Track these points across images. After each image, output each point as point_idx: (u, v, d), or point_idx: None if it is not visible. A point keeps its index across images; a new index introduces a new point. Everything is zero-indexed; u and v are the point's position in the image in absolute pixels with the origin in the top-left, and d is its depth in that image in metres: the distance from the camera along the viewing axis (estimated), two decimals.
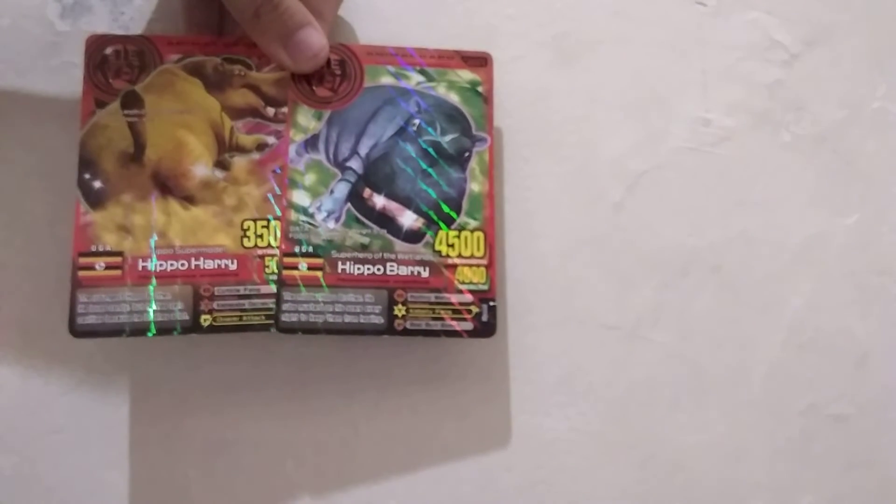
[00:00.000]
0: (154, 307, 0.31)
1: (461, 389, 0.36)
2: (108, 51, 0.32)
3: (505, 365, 0.37)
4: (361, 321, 0.32)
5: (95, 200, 0.32)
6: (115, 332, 0.31)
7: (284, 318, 0.32)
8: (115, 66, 0.32)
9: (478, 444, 0.36)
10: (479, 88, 0.35)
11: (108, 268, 0.32)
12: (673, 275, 0.38)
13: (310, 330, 0.32)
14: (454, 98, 0.34)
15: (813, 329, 0.39)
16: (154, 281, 0.32)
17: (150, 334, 0.31)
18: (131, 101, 0.32)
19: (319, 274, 0.32)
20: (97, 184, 0.32)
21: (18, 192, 0.35)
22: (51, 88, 0.35)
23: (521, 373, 0.37)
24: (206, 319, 0.32)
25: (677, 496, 0.38)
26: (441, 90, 0.34)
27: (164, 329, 0.31)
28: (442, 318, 0.33)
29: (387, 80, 0.34)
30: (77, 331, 0.31)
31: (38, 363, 0.35)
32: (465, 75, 0.35)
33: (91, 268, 0.31)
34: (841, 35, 0.41)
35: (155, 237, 0.32)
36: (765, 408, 0.38)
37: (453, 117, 0.34)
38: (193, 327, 0.32)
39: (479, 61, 0.35)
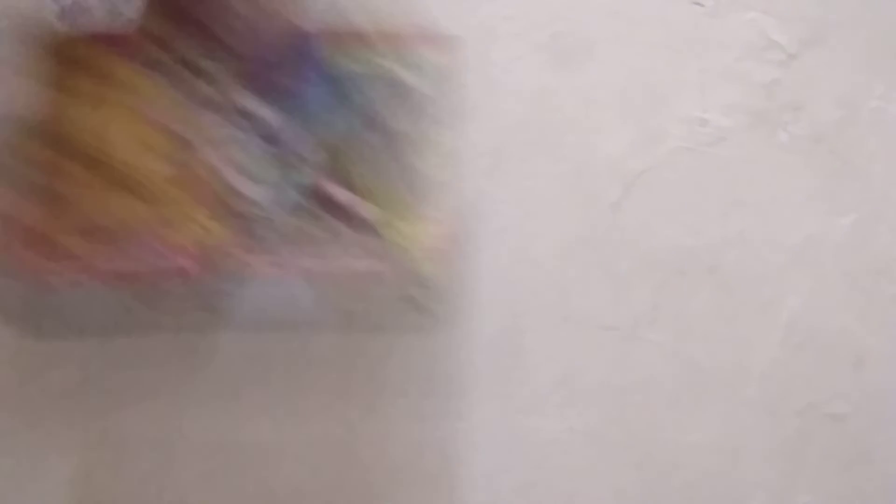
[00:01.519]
0: None
1: (460, 390, 0.36)
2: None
3: (503, 366, 0.37)
4: (317, 314, 0.32)
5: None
6: None
7: (237, 311, 0.31)
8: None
9: (476, 445, 0.36)
10: (443, 72, 0.33)
11: None
12: (670, 275, 0.38)
13: (263, 323, 0.31)
14: (416, 82, 0.33)
15: (810, 329, 0.39)
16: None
17: None
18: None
19: (274, 266, 0.31)
20: None
21: None
22: None
23: (518, 373, 0.37)
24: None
25: (675, 495, 0.38)
26: (403, 75, 0.33)
27: None
28: (401, 310, 0.32)
29: (347, 65, 0.33)
30: None
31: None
32: (429, 58, 0.33)
33: None
34: (838, 35, 0.41)
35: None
36: (762, 407, 0.38)
37: (413, 103, 0.33)
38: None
39: (443, 44, 0.34)
